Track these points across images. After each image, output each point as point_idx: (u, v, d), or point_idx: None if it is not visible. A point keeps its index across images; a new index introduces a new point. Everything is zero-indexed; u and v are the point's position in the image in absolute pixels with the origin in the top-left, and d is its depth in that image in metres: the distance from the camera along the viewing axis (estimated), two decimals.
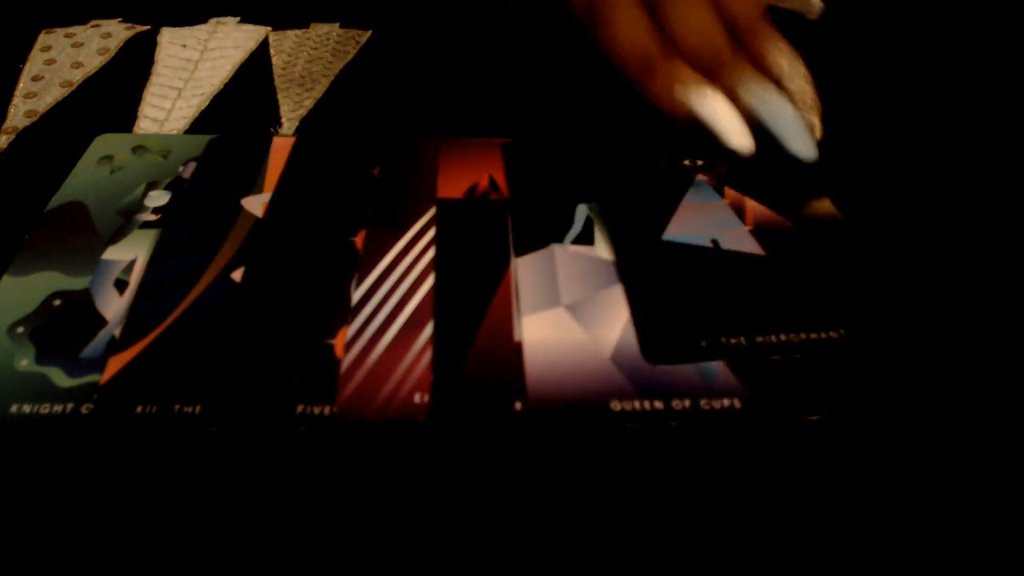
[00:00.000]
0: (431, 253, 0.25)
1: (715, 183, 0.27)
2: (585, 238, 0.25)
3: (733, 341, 0.21)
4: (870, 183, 0.28)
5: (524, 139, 0.30)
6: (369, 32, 0.38)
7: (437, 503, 0.19)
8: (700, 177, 0.27)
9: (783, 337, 0.21)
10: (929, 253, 0.25)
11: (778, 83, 0.24)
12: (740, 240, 0.25)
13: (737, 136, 0.23)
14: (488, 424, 0.20)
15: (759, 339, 0.21)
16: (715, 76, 0.24)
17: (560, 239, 0.25)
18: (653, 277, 0.23)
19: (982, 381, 0.21)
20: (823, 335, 0.22)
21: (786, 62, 0.24)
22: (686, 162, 0.26)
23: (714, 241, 0.25)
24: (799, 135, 0.23)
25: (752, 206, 0.26)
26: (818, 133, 0.24)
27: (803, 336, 0.22)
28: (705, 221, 0.25)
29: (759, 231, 0.25)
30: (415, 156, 0.29)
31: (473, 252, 0.25)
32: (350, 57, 0.36)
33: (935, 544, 0.18)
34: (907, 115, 0.32)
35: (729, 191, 0.27)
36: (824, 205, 0.25)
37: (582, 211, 0.26)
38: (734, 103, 0.24)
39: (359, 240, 0.25)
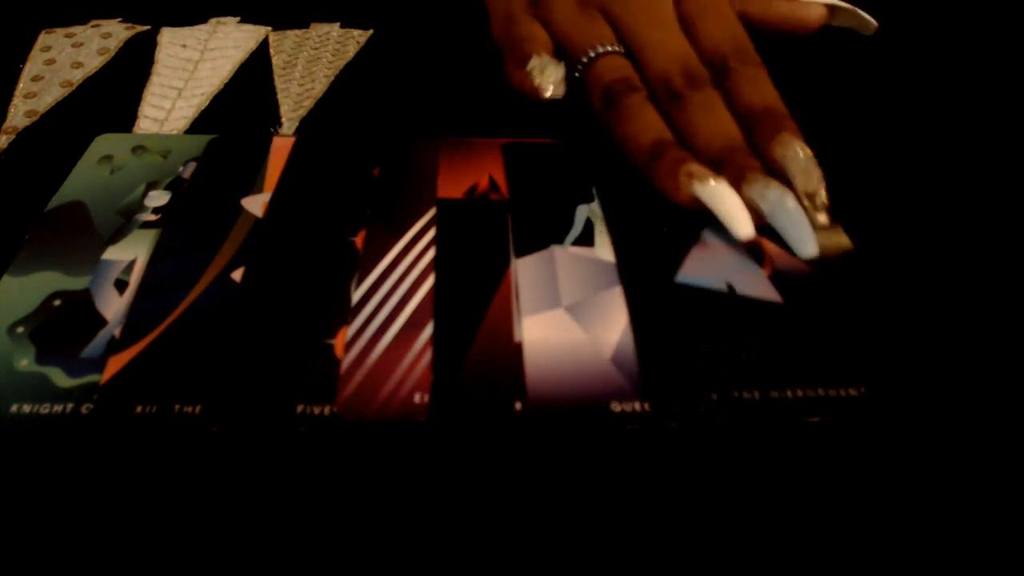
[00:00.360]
0: (431, 253, 0.25)
1: None
2: (585, 239, 0.25)
3: (746, 395, 0.20)
4: (888, 212, 0.27)
5: (524, 139, 0.30)
6: (369, 32, 0.38)
7: (437, 503, 0.19)
8: None
9: (800, 393, 0.20)
10: (950, 283, 0.24)
11: (786, 179, 0.24)
12: (757, 285, 0.24)
13: (740, 223, 0.24)
14: (488, 424, 0.20)
15: (774, 394, 0.20)
16: (722, 167, 0.25)
17: (560, 240, 0.25)
18: (663, 324, 0.22)
19: (985, 390, 0.21)
20: (843, 392, 0.21)
21: (796, 156, 0.24)
22: None
23: (729, 286, 0.23)
24: (799, 232, 0.24)
25: (770, 248, 0.25)
26: (819, 233, 0.24)
27: (821, 392, 0.21)
28: (720, 263, 0.24)
29: (777, 276, 0.24)
30: (415, 156, 0.29)
31: (473, 252, 0.25)
32: (350, 57, 0.36)
33: (935, 546, 0.18)
34: (925, 135, 0.32)
35: None
36: (838, 236, 0.24)
37: (582, 212, 0.26)
38: (738, 192, 0.24)
39: (359, 240, 0.25)
